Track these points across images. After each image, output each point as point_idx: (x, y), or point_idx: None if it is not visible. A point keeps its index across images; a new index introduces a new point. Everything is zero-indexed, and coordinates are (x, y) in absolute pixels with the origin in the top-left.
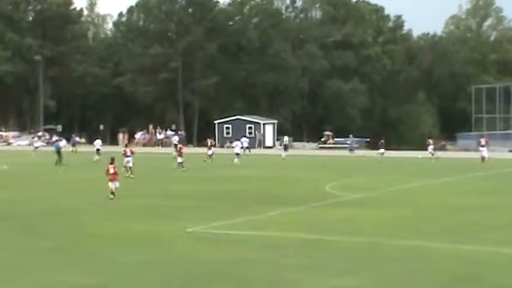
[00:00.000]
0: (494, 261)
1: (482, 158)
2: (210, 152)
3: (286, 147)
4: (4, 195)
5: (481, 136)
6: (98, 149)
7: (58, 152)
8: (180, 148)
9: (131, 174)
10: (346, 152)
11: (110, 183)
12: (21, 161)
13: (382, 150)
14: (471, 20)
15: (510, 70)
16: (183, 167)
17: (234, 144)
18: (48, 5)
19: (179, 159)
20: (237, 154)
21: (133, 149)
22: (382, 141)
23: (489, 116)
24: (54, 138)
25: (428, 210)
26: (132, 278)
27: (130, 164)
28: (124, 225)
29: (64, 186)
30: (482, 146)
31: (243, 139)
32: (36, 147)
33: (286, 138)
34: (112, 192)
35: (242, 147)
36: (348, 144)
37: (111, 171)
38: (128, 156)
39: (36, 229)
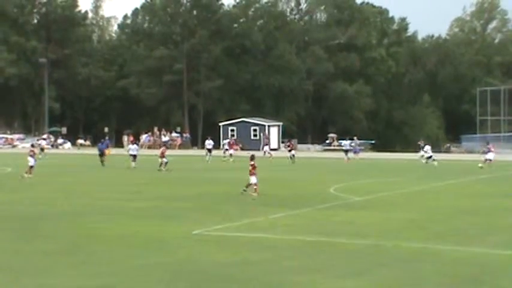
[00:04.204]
0: (499, 264)
1: (490, 160)
2: (293, 153)
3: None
4: (6, 197)
5: (488, 142)
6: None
7: (101, 153)
8: (163, 150)
9: (30, 174)
10: (350, 154)
11: (250, 178)
12: (25, 163)
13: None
14: (476, 22)
15: None
16: (164, 166)
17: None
18: (53, 7)
19: (164, 160)
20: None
21: (36, 151)
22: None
23: (494, 118)
24: (104, 139)
25: (433, 213)
26: (138, 280)
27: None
28: (128, 228)
29: (67, 188)
30: (491, 151)
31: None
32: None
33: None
34: (251, 187)
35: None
36: (352, 146)
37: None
38: (31, 157)
39: (37, 231)
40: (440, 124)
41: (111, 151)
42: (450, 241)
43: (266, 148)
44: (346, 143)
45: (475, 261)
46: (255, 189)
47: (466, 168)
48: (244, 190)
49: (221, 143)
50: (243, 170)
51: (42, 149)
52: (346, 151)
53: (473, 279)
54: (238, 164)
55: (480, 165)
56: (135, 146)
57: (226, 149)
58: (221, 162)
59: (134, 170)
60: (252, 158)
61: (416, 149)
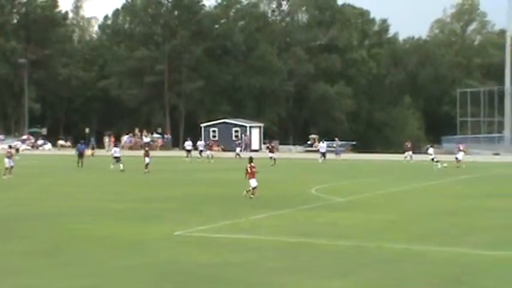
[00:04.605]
0: (479, 264)
1: (459, 160)
2: (273, 155)
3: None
4: None
5: (459, 142)
6: None
7: (81, 154)
8: (148, 149)
9: (9, 174)
10: (332, 155)
11: (249, 181)
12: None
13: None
14: (455, 24)
15: (494, 74)
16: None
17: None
18: (33, 8)
19: (147, 159)
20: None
21: (13, 152)
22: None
23: (474, 119)
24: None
25: (414, 213)
26: (120, 282)
27: (12, 164)
28: (110, 229)
29: (48, 189)
30: (461, 150)
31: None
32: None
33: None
34: (249, 190)
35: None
36: (333, 147)
37: (253, 169)
38: (8, 158)
39: (18, 232)
40: (420, 125)
41: (95, 152)
42: (432, 242)
43: (237, 150)
44: (323, 145)
45: (457, 262)
46: (252, 191)
47: (447, 169)
48: (251, 197)
49: (198, 144)
50: (224, 171)
51: (17, 150)
52: (323, 153)
53: (455, 279)
54: (219, 165)
55: (445, 164)
56: (118, 148)
57: (201, 150)
58: (200, 163)
59: (115, 171)
60: (251, 160)
61: (399, 150)
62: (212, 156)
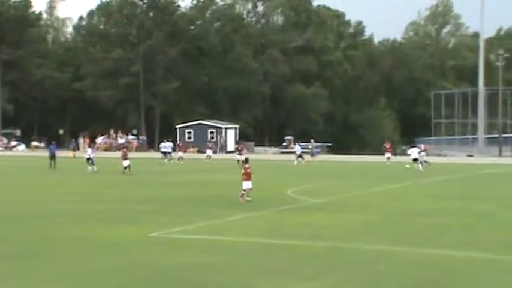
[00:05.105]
0: (455, 264)
1: (426, 161)
2: (242, 157)
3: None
4: None
5: (420, 143)
6: None
7: (53, 155)
8: (125, 152)
9: None
10: (308, 157)
11: (244, 183)
12: None
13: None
14: (430, 26)
15: (468, 76)
16: (129, 170)
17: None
18: (6, 8)
19: (125, 163)
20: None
21: None
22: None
23: (448, 121)
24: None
25: (390, 214)
26: (95, 284)
27: None
28: (85, 230)
29: (21, 191)
30: (423, 151)
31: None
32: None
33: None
34: (248, 192)
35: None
36: (309, 149)
37: (248, 171)
38: None
39: None
40: (395, 126)
41: (75, 154)
42: (407, 242)
43: (209, 152)
44: (298, 147)
45: (432, 263)
46: (245, 193)
47: (421, 171)
48: (248, 200)
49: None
50: (200, 172)
51: None
52: (299, 155)
53: (430, 280)
54: (193, 166)
55: (407, 166)
56: (90, 149)
57: (169, 152)
58: (170, 165)
59: (90, 173)
60: (247, 161)
61: (374, 151)
62: (182, 158)
